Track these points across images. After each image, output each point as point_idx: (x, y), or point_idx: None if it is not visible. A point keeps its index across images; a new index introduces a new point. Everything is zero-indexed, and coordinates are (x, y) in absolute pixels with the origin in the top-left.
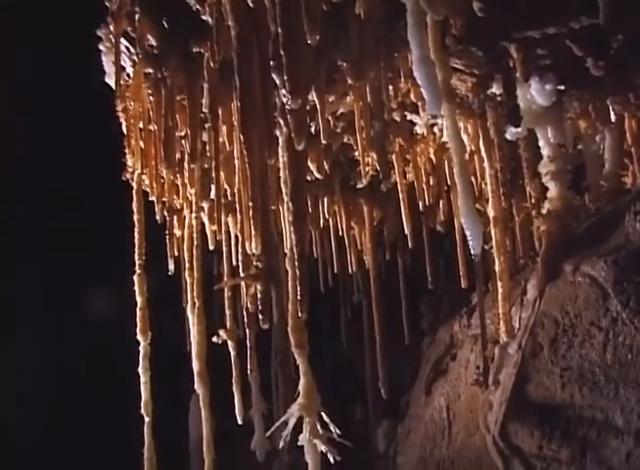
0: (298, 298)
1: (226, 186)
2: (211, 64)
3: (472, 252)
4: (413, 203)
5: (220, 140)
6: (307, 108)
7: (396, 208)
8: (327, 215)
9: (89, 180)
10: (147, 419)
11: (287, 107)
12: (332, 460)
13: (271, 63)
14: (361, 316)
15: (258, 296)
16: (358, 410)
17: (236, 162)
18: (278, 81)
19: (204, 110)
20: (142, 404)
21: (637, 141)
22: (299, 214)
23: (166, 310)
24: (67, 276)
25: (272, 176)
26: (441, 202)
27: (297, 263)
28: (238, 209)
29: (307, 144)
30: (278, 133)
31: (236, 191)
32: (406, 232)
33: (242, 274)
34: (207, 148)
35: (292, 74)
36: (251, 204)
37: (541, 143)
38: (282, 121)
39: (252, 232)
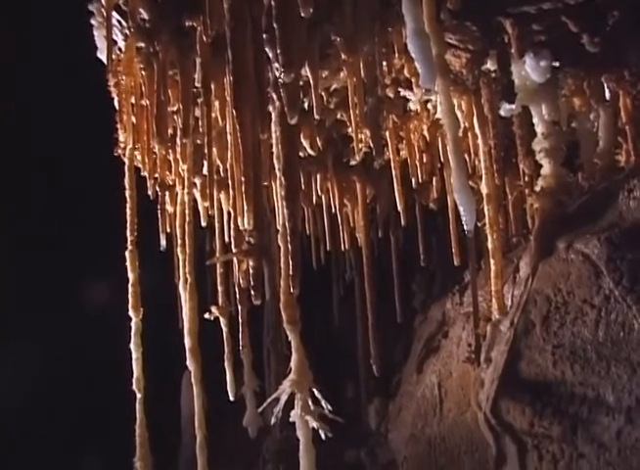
0: (290, 273)
1: (218, 162)
2: (204, 38)
3: (465, 228)
4: (406, 180)
5: (213, 115)
6: (300, 83)
7: (389, 185)
8: (320, 193)
9: (81, 156)
10: (139, 395)
11: (280, 80)
12: (323, 436)
13: (264, 36)
14: (353, 294)
15: (250, 272)
16: (350, 388)
17: (228, 137)
18: (271, 55)
19: (196, 84)
20: (134, 381)
21: (631, 119)
22: (292, 189)
23: (158, 287)
24: (57, 253)
25: (265, 152)
26: (434, 179)
27: (289, 239)
28: (230, 184)
29: (300, 120)
30: (271, 108)
31: (228, 167)
32: (399, 209)
33: (234, 250)
34: (200, 123)
35: (285, 47)
36: (243, 179)
37: (535, 120)
38: (275, 96)
39: (245, 208)
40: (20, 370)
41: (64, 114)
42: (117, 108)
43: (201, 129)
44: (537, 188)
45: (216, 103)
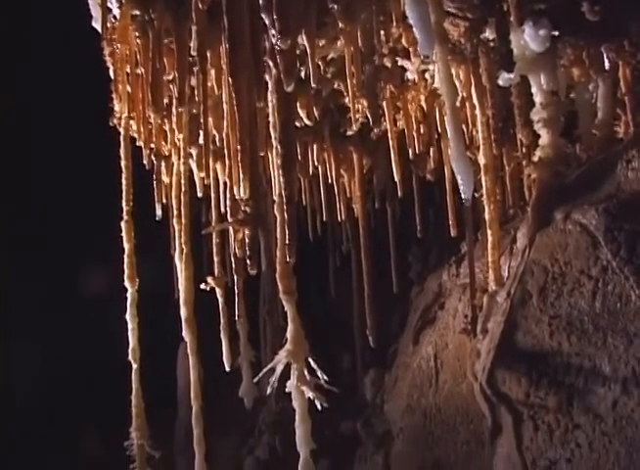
0: (287, 242)
1: (214, 132)
2: (199, 5)
3: (462, 197)
4: (403, 151)
5: (209, 84)
6: (297, 52)
7: (386, 156)
8: (316, 163)
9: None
10: (134, 366)
11: (276, 48)
12: (319, 407)
13: (260, 2)
14: (349, 265)
15: (246, 241)
16: (346, 359)
17: (224, 106)
18: (267, 21)
19: (192, 52)
20: (129, 351)
21: (630, 90)
22: (288, 158)
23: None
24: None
25: (261, 123)
26: (432, 149)
27: (285, 208)
28: (226, 154)
29: (297, 89)
30: (267, 76)
31: (224, 136)
32: (396, 180)
33: (230, 220)
34: (196, 92)
35: (281, 14)
36: (239, 147)
37: (534, 90)
38: (271, 63)
39: (241, 177)
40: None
41: (58, 84)
42: (113, 77)
43: (197, 98)
44: (535, 158)
45: (212, 71)
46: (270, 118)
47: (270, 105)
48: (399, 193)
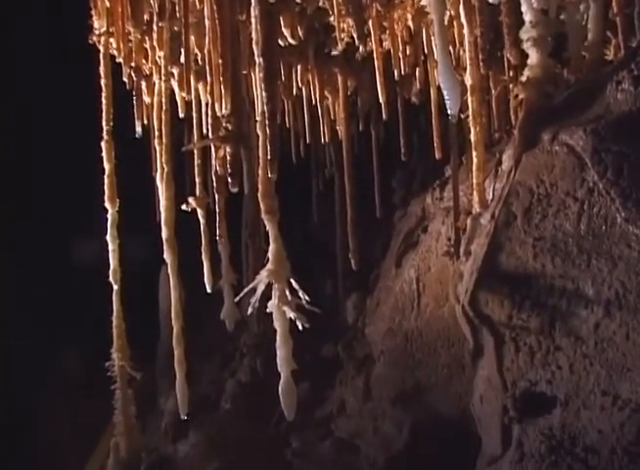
0: (269, 158)
1: (196, 51)
2: None
3: (448, 114)
4: (388, 72)
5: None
6: None
7: (371, 77)
8: (300, 85)
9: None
10: (115, 287)
11: None
12: (300, 328)
13: None
14: (333, 190)
15: (228, 159)
16: (328, 284)
17: (206, 21)
18: None
19: None
20: (110, 272)
21: (622, 11)
22: (271, 72)
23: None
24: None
25: (244, 42)
26: (418, 71)
27: (267, 123)
28: (208, 71)
29: (281, 7)
30: None
31: (206, 53)
32: (381, 101)
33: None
34: (177, 7)
35: None
36: (221, 61)
37: (524, 8)
38: None
39: (222, 92)
40: None
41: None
42: None
43: (177, 14)
44: (523, 78)
45: None
46: (253, 35)
47: (253, 19)
48: (384, 116)
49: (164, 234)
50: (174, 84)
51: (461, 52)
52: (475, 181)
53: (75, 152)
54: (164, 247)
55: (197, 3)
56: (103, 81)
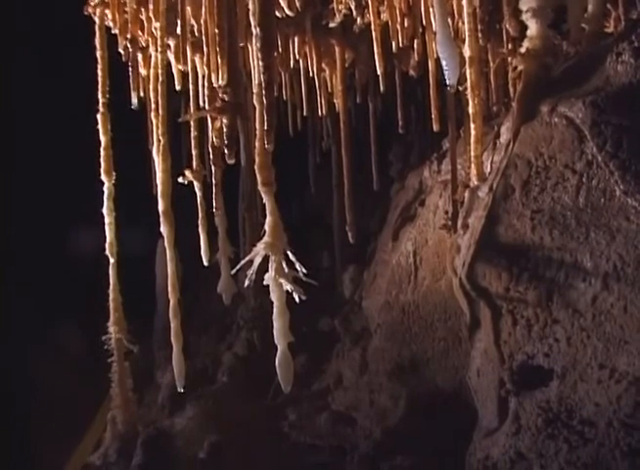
0: (265, 128)
1: (193, 22)
2: None
3: (447, 84)
4: (386, 45)
5: None
6: None
7: (369, 49)
8: (297, 57)
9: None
10: (112, 260)
11: None
12: (297, 300)
13: None
14: (330, 162)
15: (224, 130)
16: (325, 257)
17: None
18: None
19: None
20: (106, 245)
21: None
22: (267, 41)
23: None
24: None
25: (241, 13)
26: (416, 42)
27: (264, 93)
28: (204, 42)
29: None
30: None
31: (202, 23)
32: (378, 73)
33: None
34: None
35: None
36: (217, 31)
37: None
38: None
39: (219, 63)
40: None
41: None
42: None
43: None
44: (522, 50)
45: None
46: (250, 5)
47: None
48: (381, 88)
49: (161, 207)
50: (171, 56)
51: (460, 24)
52: (473, 154)
53: (71, 129)
54: (161, 220)
55: None
56: (98, 53)
